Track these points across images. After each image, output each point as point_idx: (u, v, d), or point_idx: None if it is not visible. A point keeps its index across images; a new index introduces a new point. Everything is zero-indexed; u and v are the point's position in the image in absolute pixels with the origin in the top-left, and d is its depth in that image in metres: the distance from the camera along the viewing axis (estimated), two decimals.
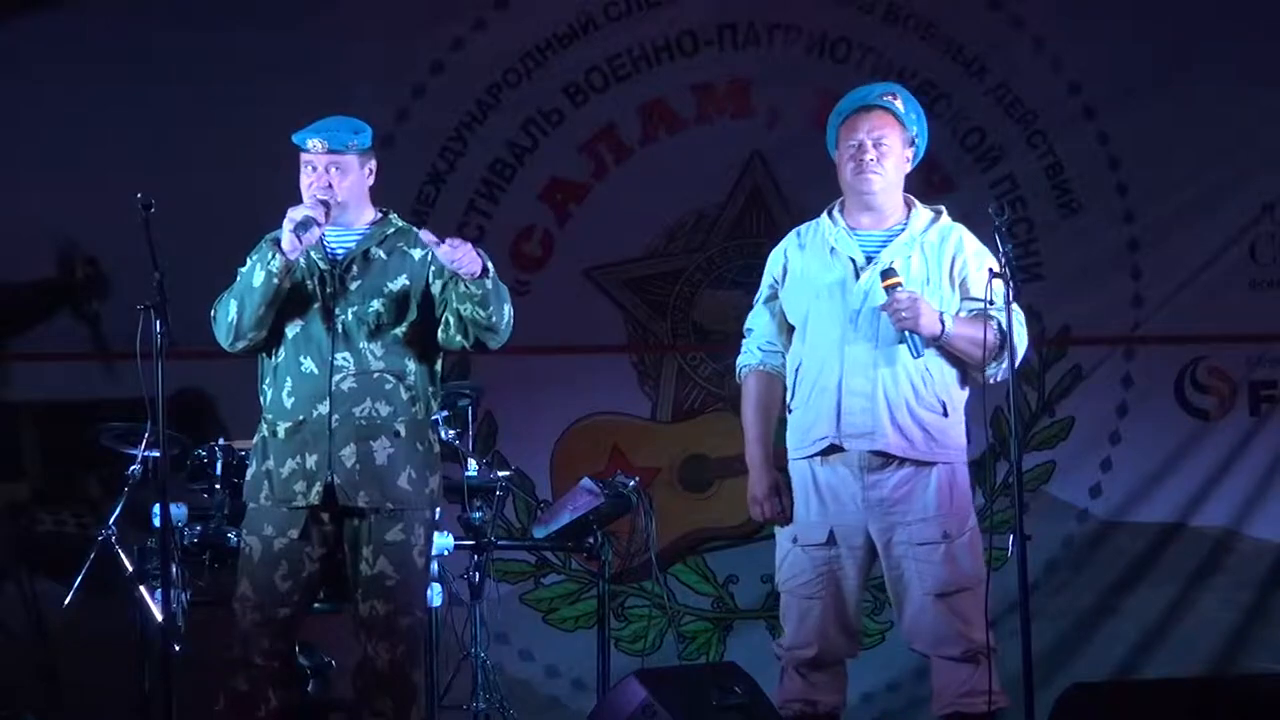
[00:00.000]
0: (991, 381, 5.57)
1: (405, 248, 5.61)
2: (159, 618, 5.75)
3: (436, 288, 5.54)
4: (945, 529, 5.49)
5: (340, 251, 5.55)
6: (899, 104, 5.62)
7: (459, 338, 5.49)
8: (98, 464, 6.99)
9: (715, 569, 7.80)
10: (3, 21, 7.42)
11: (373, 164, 5.63)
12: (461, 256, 5.33)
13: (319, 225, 5.44)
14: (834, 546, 5.55)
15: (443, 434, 6.61)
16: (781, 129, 7.75)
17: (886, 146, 5.55)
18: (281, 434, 5.48)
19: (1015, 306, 5.42)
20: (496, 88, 7.71)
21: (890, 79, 7.33)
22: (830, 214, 5.66)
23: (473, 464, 6.66)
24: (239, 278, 5.47)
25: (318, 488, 5.44)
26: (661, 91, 7.79)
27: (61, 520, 7.44)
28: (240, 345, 5.47)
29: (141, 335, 5.29)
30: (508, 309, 5.46)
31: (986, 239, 5.61)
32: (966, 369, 5.57)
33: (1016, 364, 5.45)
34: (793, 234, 5.76)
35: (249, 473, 5.57)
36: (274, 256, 5.40)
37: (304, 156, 5.57)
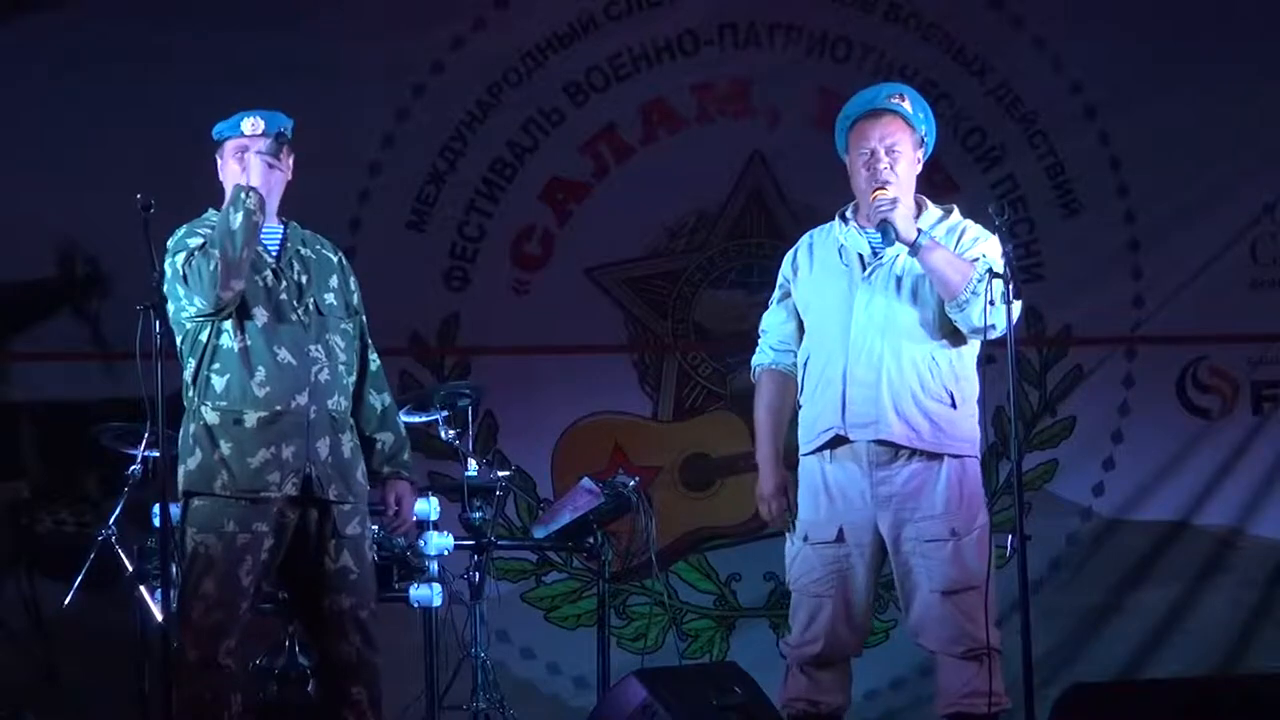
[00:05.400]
0: (965, 328, 5.49)
1: (323, 250, 5.66)
2: (159, 618, 5.75)
3: (354, 299, 5.66)
4: (953, 526, 5.48)
5: (273, 247, 5.54)
6: (907, 105, 5.62)
7: None
8: (97, 463, 6.99)
9: (717, 567, 7.80)
10: (3, 21, 7.43)
11: (291, 163, 5.60)
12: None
13: (286, 142, 5.47)
14: (843, 544, 5.55)
15: (443, 434, 6.63)
16: (781, 129, 7.76)
17: (898, 153, 5.56)
18: (252, 423, 5.39)
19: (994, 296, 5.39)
20: (496, 87, 7.72)
21: (891, 79, 7.35)
22: (842, 216, 5.68)
23: (472, 464, 6.66)
24: (213, 232, 5.36)
25: (294, 479, 5.41)
26: (662, 91, 7.79)
27: (61, 519, 7.43)
28: (227, 295, 5.33)
29: (141, 335, 5.27)
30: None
31: None
32: (970, 348, 5.55)
33: (997, 322, 5.40)
34: (806, 235, 5.78)
35: (191, 462, 5.42)
36: (247, 195, 5.37)
37: (233, 144, 5.52)
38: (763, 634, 7.48)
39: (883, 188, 5.49)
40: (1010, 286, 5.31)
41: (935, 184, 7.44)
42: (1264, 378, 7.91)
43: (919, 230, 5.47)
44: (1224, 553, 7.83)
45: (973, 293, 5.40)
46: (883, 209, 5.46)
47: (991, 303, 5.37)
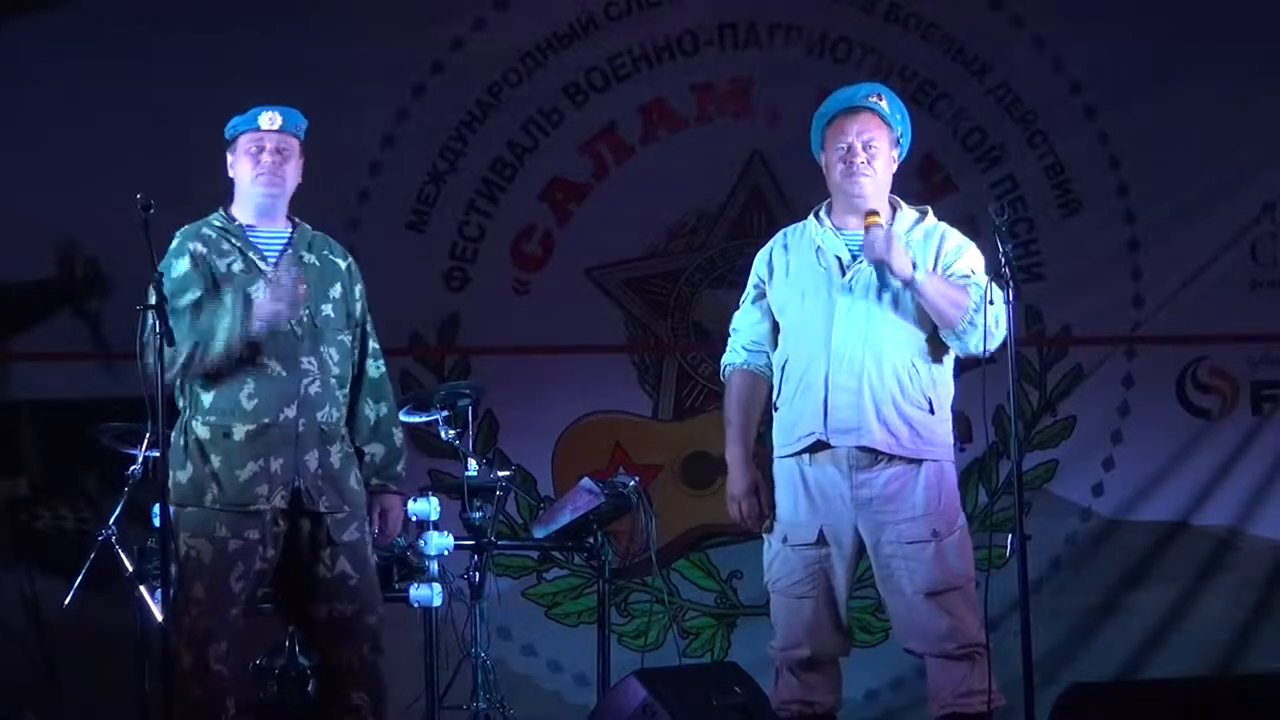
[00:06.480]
0: (959, 353, 5.50)
1: (330, 255, 5.62)
2: (159, 618, 5.75)
3: (356, 308, 5.61)
4: (934, 528, 5.47)
5: (273, 254, 5.51)
6: (884, 104, 5.61)
7: None
8: (97, 462, 6.99)
9: (719, 565, 7.81)
10: (3, 22, 7.43)
11: (302, 162, 5.60)
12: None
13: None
14: (824, 546, 5.54)
15: (443, 434, 6.63)
16: (781, 129, 7.75)
17: (875, 149, 5.54)
18: (239, 436, 5.38)
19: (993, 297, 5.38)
20: (496, 88, 7.72)
21: (890, 79, 7.38)
22: (817, 215, 5.66)
23: (473, 463, 6.66)
24: (202, 321, 5.36)
25: (282, 492, 5.40)
26: (661, 91, 7.80)
27: (60, 517, 7.44)
28: (175, 380, 5.37)
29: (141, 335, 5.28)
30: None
31: (987, 239, 5.59)
32: (949, 354, 5.55)
33: (992, 346, 5.40)
34: (779, 235, 5.76)
35: (181, 475, 5.41)
36: (242, 326, 5.34)
37: (247, 138, 5.51)
38: (764, 632, 7.42)
39: (873, 215, 5.45)
40: (1010, 289, 5.31)
41: (935, 184, 7.49)
42: (1264, 378, 7.91)
43: (913, 265, 5.43)
44: (1223, 553, 7.83)
45: (969, 324, 5.40)
46: (877, 248, 5.42)
47: (991, 302, 5.36)
